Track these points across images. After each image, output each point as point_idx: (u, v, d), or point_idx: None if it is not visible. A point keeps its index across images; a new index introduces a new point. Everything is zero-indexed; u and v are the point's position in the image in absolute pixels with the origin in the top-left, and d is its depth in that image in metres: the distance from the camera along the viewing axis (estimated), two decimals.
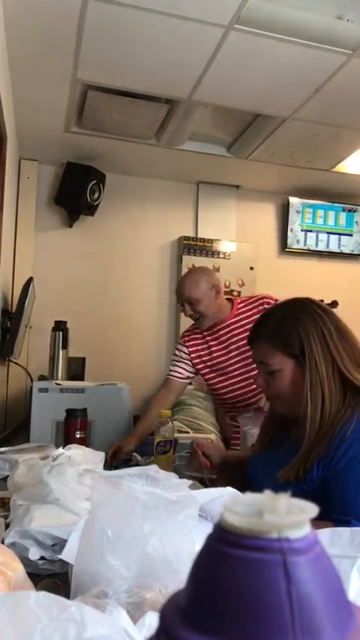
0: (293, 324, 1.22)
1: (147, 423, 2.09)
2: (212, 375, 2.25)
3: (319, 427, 1.17)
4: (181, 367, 2.26)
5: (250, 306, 2.23)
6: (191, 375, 2.28)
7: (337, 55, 2.31)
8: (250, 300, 2.27)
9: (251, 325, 1.35)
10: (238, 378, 2.20)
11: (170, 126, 3.05)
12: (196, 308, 2.15)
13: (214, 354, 2.23)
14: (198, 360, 2.25)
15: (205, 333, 2.25)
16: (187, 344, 2.27)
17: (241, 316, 2.21)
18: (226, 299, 2.28)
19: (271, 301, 2.19)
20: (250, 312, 2.20)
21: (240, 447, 2.08)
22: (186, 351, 2.26)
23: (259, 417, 1.96)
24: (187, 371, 2.26)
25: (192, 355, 2.25)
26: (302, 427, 1.20)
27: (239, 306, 2.24)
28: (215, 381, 2.25)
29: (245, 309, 2.23)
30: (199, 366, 2.25)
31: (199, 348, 2.25)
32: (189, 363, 2.26)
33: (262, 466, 1.33)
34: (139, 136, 3.22)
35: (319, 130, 3.07)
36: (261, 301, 2.22)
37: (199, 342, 2.26)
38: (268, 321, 1.28)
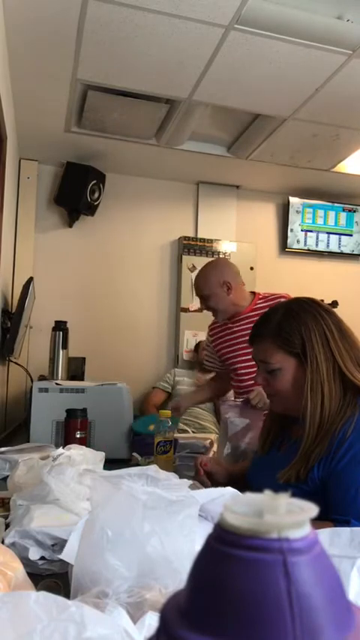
0: (295, 323, 1.22)
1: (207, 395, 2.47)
2: (226, 362, 2.33)
3: (318, 427, 1.17)
4: (211, 356, 2.41)
5: (268, 303, 2.23)
6: (218, 361, 2.37)
7: (337, 55, 2.31)
8: (270, 297, 2.28)
9: None
10: (244, 371, 2.24)
11: (170, 126, 3.05)
12: (207, 303, 2.24)
13: (227, 343, 2.30)
14: (218, 347, 2.34)
15: (222, 322, 2.33)
16: (210, 327, 2.40)
17: (257, 312, 2.20)
18: (250, 292, 2.32)
19: None
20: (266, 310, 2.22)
21: (219, 437, 2.07)
22: (210, 338, 2.39)
23: (243, 408, 1.96)
24: (215, 357, 2.38)
25: (212, 339, 2.36)
26: (302, 426, 1.20)
27: (259, 301, 2.26)
28: (228, 367, 2.34)
29: (263, 304, 2.23)
30: (219, 352, 2.34)
31: (220, 334, 2.34)
32: (213, 350, 2.37)
33: (263, 467, 1.33)
34: (139, 136, 3.22)
35: (319, 130, 3.07)
36: (279, 300, 2.23)
37: (219, 328, 2.35)
38: (270, 321, 1.28)
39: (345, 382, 1.20)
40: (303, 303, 1.27)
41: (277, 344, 1.23)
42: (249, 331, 2.15)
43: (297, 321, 1.22)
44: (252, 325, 2.15)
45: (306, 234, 4.20)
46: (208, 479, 1.47)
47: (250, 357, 2.18)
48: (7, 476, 1.27)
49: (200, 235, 4.06)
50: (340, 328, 1.23)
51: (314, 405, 1.17)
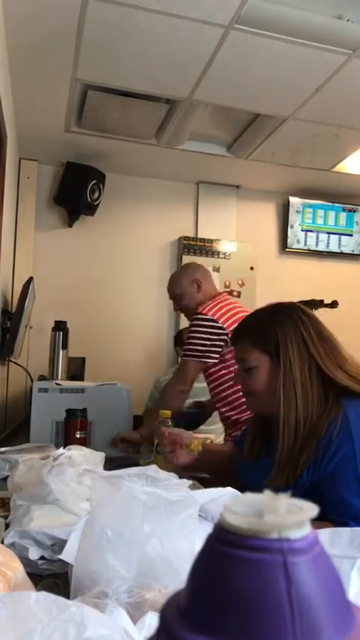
0: (272, 324, 1.26)
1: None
2: None
3: (295, 429, 1.18)
4: None
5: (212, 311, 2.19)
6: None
7: (337, 55, 2.31)
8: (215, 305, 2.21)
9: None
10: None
11: (170, 126, 3.05)
12: (179, 303, 2.30)
13: None
14: None
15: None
16: None
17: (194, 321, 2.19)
18: (216, 295, 2.28)
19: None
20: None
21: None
22: None
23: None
24: None
25: None
26: (275, 427, 1.21)
27: (206, 308, 2.18)
28: None
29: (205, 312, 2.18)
30: None
31: None
32: None
33: (254, 473, 1.33)
34: (139, 135, 3.22)
35: (319, 130, 3.07)
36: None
37: None
38: (251, 322, 1.33)
39: (326, 384, 1.20)
40: (284, 307, 1.31)
41: (253, 343, 1.27)
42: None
43: (274, 322, 1.26)
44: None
45: (306, 234, 4.20)
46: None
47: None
48: (7, 476, 1.27)
49: (200, 235, 4.06)
50: (319, 332, 1.26)
51: (287, 405, 1.19)
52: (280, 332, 1.24)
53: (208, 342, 2.11)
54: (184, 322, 3.93)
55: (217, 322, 2.11)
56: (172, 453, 1.49)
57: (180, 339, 3.60)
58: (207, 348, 2.11)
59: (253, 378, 1.28)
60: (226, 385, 2.15)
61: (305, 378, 1.20)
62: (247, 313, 2.09)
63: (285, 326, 1.24)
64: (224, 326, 2.10)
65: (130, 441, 2.04)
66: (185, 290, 2.26)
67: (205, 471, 1.56)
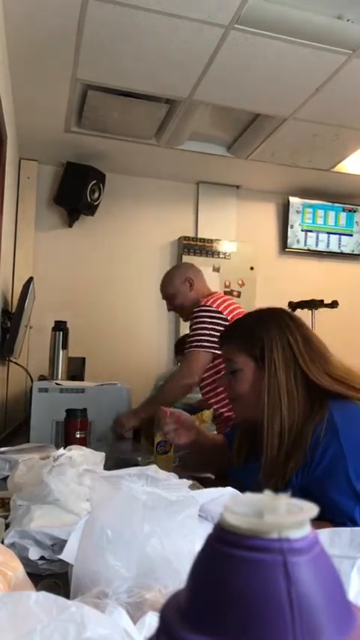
0: (260, 329, 1.27)
1: None
2: None
3: (279, 435, 1.17)
4: None
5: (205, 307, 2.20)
6: None
7: (337, 55, 2.31)
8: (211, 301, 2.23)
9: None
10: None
11: (170, 126, 3.05)
12: (173, 303, 2.31)
13: None
14: None
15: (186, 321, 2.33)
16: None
17: (195, 314, 2.20)
18: (210, 293, 2.30)
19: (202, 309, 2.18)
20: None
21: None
22: None
23: None
24: None
25: None
26: (260, 433, 1.21)
27: (203, 304, 2.20)
28: None
29: (202, 308, 2.19)
30: None
31: None
32: None
33: (245, 476, 1.32)
34: (139, 135, 3.22)
35: (319, 130, 3.07)
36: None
37: None
38: (240, 324, 1.35)
39: (311, 390, 1.20)
40: (272, 312, 1.32)
41: (240, 346, 1.28)
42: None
43: (261, 326, 1.27)
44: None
45: (306, 234, 4.21)
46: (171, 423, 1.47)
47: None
48: (7, 476, 1.27)
49: (200, 235, 4.06)
50: (306, 339, 1.26)
51: (272, 411, 1.19)
52: (265, 337, 1.24)
53: (216, 333, 2.09)
54: (185, 322, 3.93)
55: (222, 314, 2.11)
56: (175, 431, 1.48)
57: (181, 347, 3.59)
58: (216, 339, 2.09)
59: (237, 380, 1.28)
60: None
61: (291, 384, 1.20)
62: (243, 309, 2.12)
63: (271, 331, 1.25)
64: (228, 318, 2.10)
65: (127, 426, 2.03)
66: (178, 289, 2.27)
67: (199, 457, 1.57)
